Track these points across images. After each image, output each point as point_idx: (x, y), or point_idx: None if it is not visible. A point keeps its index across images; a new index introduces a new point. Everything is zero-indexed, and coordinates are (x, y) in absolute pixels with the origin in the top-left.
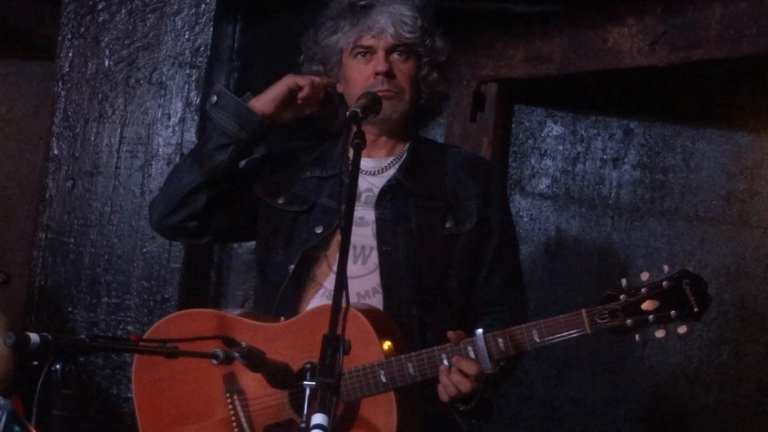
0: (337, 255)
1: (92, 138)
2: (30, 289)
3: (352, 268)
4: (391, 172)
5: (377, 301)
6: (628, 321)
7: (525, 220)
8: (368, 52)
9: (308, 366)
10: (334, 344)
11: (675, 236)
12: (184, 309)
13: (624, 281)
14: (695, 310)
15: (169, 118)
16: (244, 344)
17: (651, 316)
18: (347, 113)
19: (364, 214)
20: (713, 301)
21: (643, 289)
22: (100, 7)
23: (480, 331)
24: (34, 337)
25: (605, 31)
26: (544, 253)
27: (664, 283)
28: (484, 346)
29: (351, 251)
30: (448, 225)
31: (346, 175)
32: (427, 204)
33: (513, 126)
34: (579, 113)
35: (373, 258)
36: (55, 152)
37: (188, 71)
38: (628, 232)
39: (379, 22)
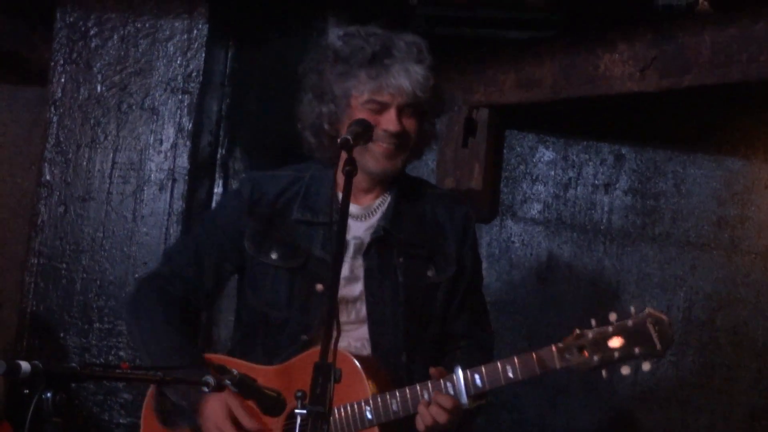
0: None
1: (84, 163)
2: (22, 315)
3: (343, 321)
4: (376, 218)
5: (367, 352)
6: (595, 357)
7: (516, 245)
8: (381, 108)
9: (299, 395)
10: (325, 373)
11: (666, 262)
12: None
13: (593, 321)
14: (658, 348)
15: (161, 143)
16: (235, 372)
17: (616, 353)
18: (338, 140)
19: (354, 266)
20: (705, 327)
21: (610, 328)
22: (92, 32)
23: (459, 368)
24: (24, 365)
25: (596, 56)
26: (536, 279)
27: (630, 322)
28: (462, 383)
29: (343, 305)
30: (430, 274)
31: (336, 224)
32: (411, 252)
33: (504, 151)
34: (570, 139)
35: (363, 310)
36: (47, 177)
37: (180, 97)
38: (619, 258)
39: (398, 80)
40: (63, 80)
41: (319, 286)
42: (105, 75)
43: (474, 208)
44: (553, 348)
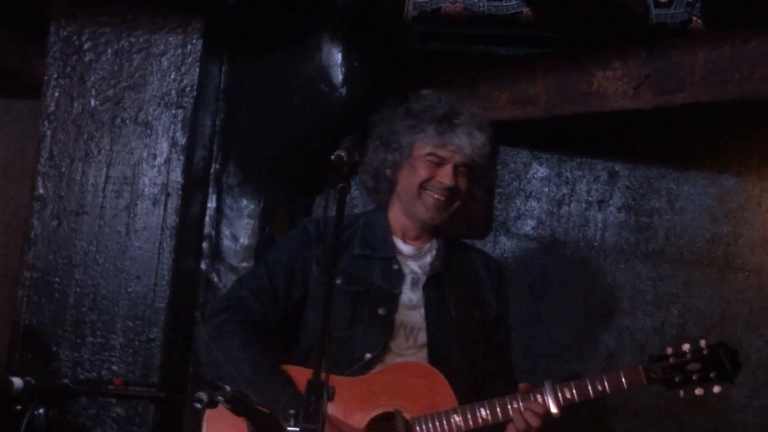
0: (394, 334)
1: (78, 177)
2: (14, 328)
3: (402, 346)
4: (428, 259)
5: None
6: (677, 378)
7: (510, 261)
8: (441, 162)
9: (292, 412)
10: (318, 391)
11: (660, 278)
12: (167, 349)
13: (669, 348)
14: (730, 373)
15: (154, 158)
16: (228, 388)
17: (694, 376)
18: (332, 157)
19: (413, 296)
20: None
21: (688, 354)
22: (86, 47)
23: (547, 382)
24: (17, 381)
25: (590, 74)
26: (530, 295)
27: (705, 350)
28: (552, 393)
29: (402, 330)
30: (476, 312)
31: (395, 261)
32: (460, 292)
33: (498, 167)
34: (564, 155)
35: (422, 337)
36: (41, 191)
37: (174, 111)
38: (613, 275)
39: (461, 140)
40: (57, 94)
41: (381, 310)
42: (99, 89)
43: (467, 225)
44: (640, 368)
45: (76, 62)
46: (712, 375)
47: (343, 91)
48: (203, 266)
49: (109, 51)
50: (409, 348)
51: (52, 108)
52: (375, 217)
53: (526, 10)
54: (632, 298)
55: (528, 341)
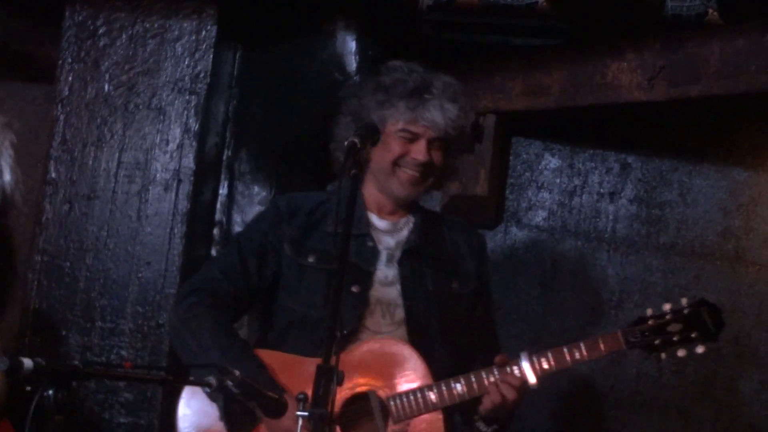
0: (369, 311)
1: (90, 162)
2: (24, 312)
3: (380, 323)
4: (404, 233)
5: None
6: (657, 341)
7: (521, 252)
8: (413, 137)
9: (301, 397)
10: (328, 375)
11: (670, 271)
12: None
13: (649, 310)
14: (712, 332)
15: (167, 143)
16: (237, 373)
17: (675, 337)
18: (346, 143)
19: (388, 273)
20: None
21: (668, 315)
22: (100, 32)
23: (523, 354)
24: (27, 362)
25: (604, 65)
26: (540, 286)
27: (686, 309)
28: (529, 365)
29: (378, 307)
30: (454, 286)
31: (369, 238)
32: (437, 265)
33: (510, 158)
34: (577, 147)
35: (399, 313)
36: (53, 175)
37: (187, 97)
38: (623, 266)
39: (433, 114)
40: (70, 78)
41: (355, 288)
42: (112, 74)
43: (479, 214)
44: (619, 332)
45: (90, 47)
46: (693, 335)
47: (357, 79)
48: (214, 252)
49: (124, 36)
50: (387, 325)
51: (65, 92)
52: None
53: (541, 0)
54: (642, 291)
55: (538, 332)
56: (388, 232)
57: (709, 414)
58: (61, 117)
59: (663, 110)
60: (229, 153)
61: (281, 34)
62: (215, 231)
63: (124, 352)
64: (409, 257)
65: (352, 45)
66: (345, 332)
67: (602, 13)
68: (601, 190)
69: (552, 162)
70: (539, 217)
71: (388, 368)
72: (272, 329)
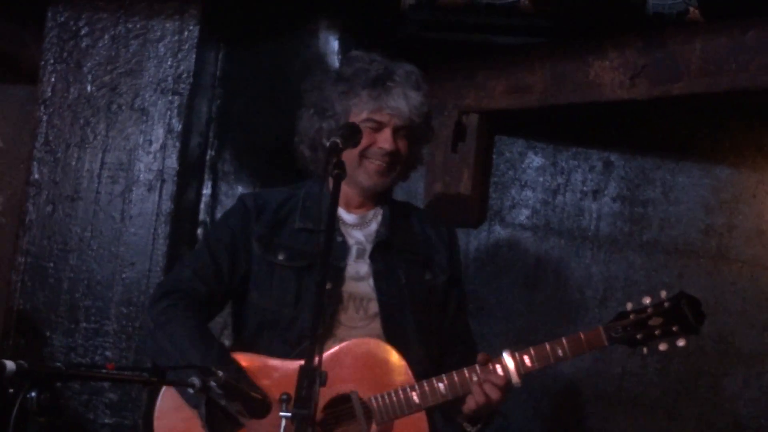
0: (343, 307)
1: (73, 163)
2: (8, 313)
3: (354, 318)
4: (373, 226)
5: None
6: (638, 335)
7: (504, 250)
8: (378, 126)
9: (284, 398)
10: (311, 376)
11: (654, 269)
12: None
13: (629, 304)
14: (693, 324)
15: (150, 144)
16: (221, 373)
17: (657, 331)
18: (327, 143)
19: (359, 268)
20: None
21: (648, 309)
22: (83, 32)
23: (506, 352)
24: (9, 364)
25: (586, 63)
26: (523, 285)
27: (666, 303)
28: (512, 363)
29: (351, 303)
30: (427, 277)
31: (338, 233)
32: (409, 257)
33: (494, 157)
34: (560, 145)
35: (373, 308)
36: (36, 176)
37: (170, 98)
38: (607, 264)
39: (397, 102)
40: (53, 79)
41: (327, 285)
42: (95, 75)
43: (462, 213)
44: (601, 328)
45: (72, 48)
46: (675, 328)
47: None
48: None
49: (106, 37)
50: (361, 320)
51: (48, 93)
52: (315, 188)
53: None
54: (626, 289)
55: (521, 330)
56: (357, 226)
57: (694, 411)
58: (44, 118)
59: (645, 108)
60: (213, 153)
61: (264, 34)
62: (199, 231)
63: (108, 353)
64: (381, 251)
65: (335, 44)
66: (320, 331)
67: (584, 12)
68: (585, 189)
69: (535, 160)
70: (523, 215)
71: (368, 368)
72: (245, 329)
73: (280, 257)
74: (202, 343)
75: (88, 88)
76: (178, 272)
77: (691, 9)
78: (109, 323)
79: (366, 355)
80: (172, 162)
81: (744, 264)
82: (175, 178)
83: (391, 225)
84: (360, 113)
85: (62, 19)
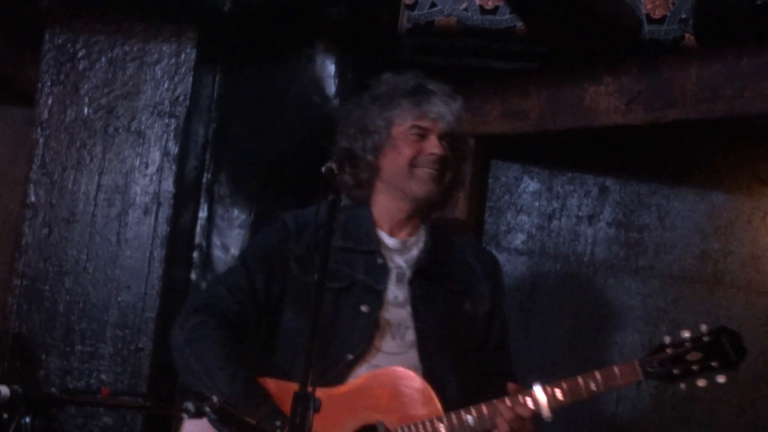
0: (380, 333)
1: (69, 185)
2: (3, 336)
3: (390, 345)
4: (414, 252)
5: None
6: (676, 370)
7: None
8: (424, 133)
9: (278, 424)
10: (304, 402)
11: (649, 294)
12: (157, 359)
13: (667, 338)
14: (733, 360)
15: (146, 167)
16: (215, 399)
17: (695, 366)
18: (323, 169)
19: (398, 293)
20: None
21: (687, 343)
22: (80, 55)
23: (538, 384)
24: (4, 389)
25: (582, 89)
26: (519, 309)
27: (705, 337)
28: (543, 397)
29: (388, 329)
30: (467, 307)
31: (379, 255)
32: (449, 286)
33: (489, 181)
34: (555, 170)
35: (410, 335)
36: (32, 199)
37: (167, 120)
38: (602, 290)
39: (440, 109)
40: (50, 102)
41: (365, 308)
42: (92, 97)
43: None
44: (636, 362)
45: (69, 70)
46: (714, 364)
47: (336, 102)
48: (193, 276)
49: (103, 59)
50: (397, 347)
51: (45, 115)
52: (358, 210)
53: (519, 24)
54: (621, 314)
55: (516, 355)
56: (398, 251)
57: None
58: (41, 140)
59: (641, 134)
60: (209, 176)
61: (261, 58)
62: (195, 254)
63: (104, 376)
64: (421, 277)
65: (332, 68)
66: (353, 356)
67: (580, 38)
68: (580, 214)
69: (531, 185)
70: (518, 240)
71: (396, 398)
72: (278, 351)
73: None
74: (229, 366)
75: (85, 110)
76: (212, 288)
77: (687, 35)
78: (105, 346)
79: (395, 384)
80: (169, 185)
81: (739, 289)
82: (172, 201)
83: (433, 252)
84: (404, 122)
85: (59, 41)
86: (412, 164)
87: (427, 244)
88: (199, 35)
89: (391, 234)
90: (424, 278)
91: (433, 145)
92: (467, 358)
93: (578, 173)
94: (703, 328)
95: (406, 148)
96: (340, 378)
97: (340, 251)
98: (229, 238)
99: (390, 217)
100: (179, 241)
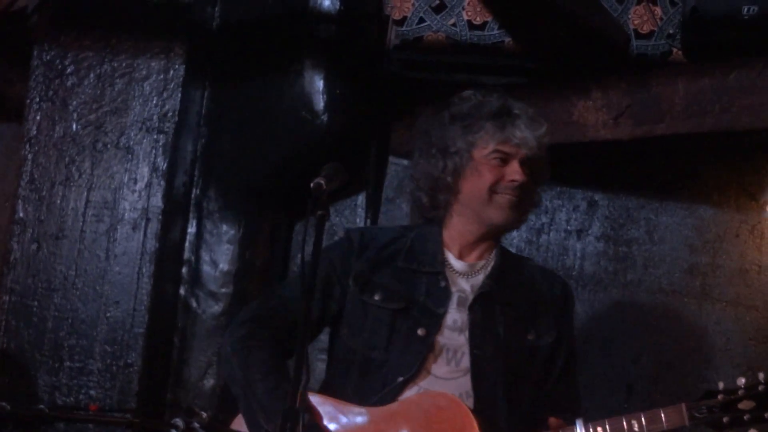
0: (434, 357)
1: (58, 201)
2: None
3: (444, 370)
4: (480, 277)
5: (468, 404)
6: (725, 419)
7: None
8: (506, 158)
9: None
10: (294, 418)
11: (638, 308)
12: (146, 374)
13: (721, 384)
14: None
15: (135, 182)
16: (204, 414)
17: (746, 416)
18: (312, 184)
19: (458, 317)
20: (674, 373)
21: (740, 391)
22: (69, 71)
23: (580, 421)
24: None
25: (570, 103)
26: None
27: (761, 387)
28: None
29: (443, 353)
30: (530, 337)
31: (443, 277)
32: (512, 313)
33: None
34: (544, 184)
35: (465, 362)
36: (21, 215)
37: (155, 136)
38: (591, 303)
39: (524, 133)
40: (38, 118)
41: (421, 331)
42: (81, 113)
43: None
44: (683, 406)
45: (58, 86)
46: (767, 415)
47: (325, 118)
48: (182, 292)
49: (92, 75)
50: (451, 372)
51: (33, 131)
52: (428, 230)
53: (507, 39)
54: (609, 328)
55: None
56: (464, 275)
57: None
58: (29, 156)
59: (629, 148)
60: (198, 192)
61: (249, 74)
62: (184, 270)
63: (92, 392)
64: (482, 302)
65: (320, 84)
66: (403, 378)
67: (568, 53)
68: (569, 228)
69: None
70: None
71: (434, 425)
72: (333, 366)
73: (376, 297)
74: (272, 379)
75: (74, 126)
76: (267, 299)
77: (675, 50)
78: (94, 362)
79: (436, 410)
80: (157, 201)
81: (728, 303)
82: (160, 217)
83: (500, 277)
84: (486, 146)
85: (48, 57)
86: (492, 190)
87: (495, 269)
88: (188, 51)
89: (460, 257)
90: (486, 303)
91: (515, 171)
92: (524, 389)
93: (567, 187)
94: (761, 376)
95: (487, 173)
96: (388, 399)
97: (402, 271)
98: (218, 254)
99: (461, 239)
100: (168, 257)
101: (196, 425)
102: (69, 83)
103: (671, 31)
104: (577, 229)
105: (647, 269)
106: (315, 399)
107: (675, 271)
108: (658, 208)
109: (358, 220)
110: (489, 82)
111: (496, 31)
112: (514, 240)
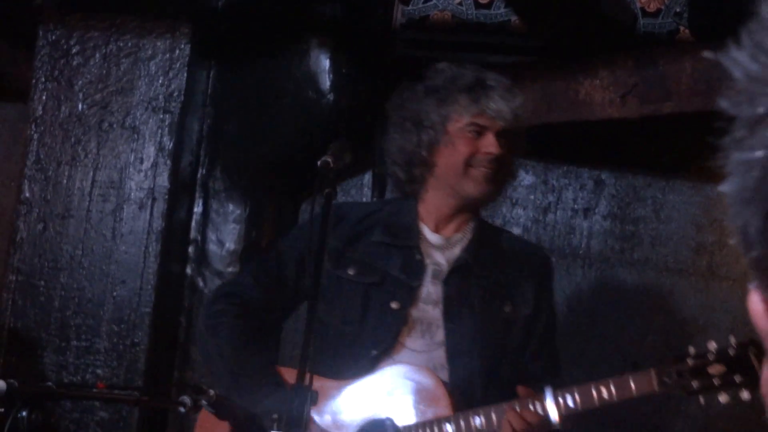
0: (408, 330)
1: (64, 181)
2: None
3: (418, 343)
4: (457, 250)
5: (443, 377)
6: (694, 383)
7: None
8: (481, 131)
9: (275, 416)
10: (301, 395)
11: (644, 287)
12: (152, 353)
13: (691, 348)
14: (759, 376)
15: (141, 162)
16: (211, 392)
17: (716, 380)
18: (318, 162)
19: (432, 290)
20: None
21: (710, 355)
22: (74, 51)
23: (549, 388)
24: (0, 384)
25: (577, 82)
26: None
27: (731, 350)
28: (552, 402)
29: (417, 326)
30: (506, 309)
31: (417, 251)
32: (489, 286)
33: None
34: (550, 163)
35: (440, 335)
36: (27, 195)
37: (161, 116)
38: (597, 282)
39: (499, 105)
40: (44, 98)
41: (395, 304)
42: (86, 93)
43: None
44: (652, 371)
45: (64, 66)
46: (737, 379)
47: (331, 97)
48: (189, 271)
49: (98, 55)
50: (425, 345)
51: (39, 112)
52: (403, 204)
53: (514, 18)
54: (616, 306)
55: None
56: (439, 248)
57: (682, 428)
58: (35, 136)
59: (636, 127)
60: (204, 171)
61: (255, 53)
62: (190, 249)
63: (99, 371)
64: (458, 276)
65: (326, 63)
66: (377, 352)
67: (575, 32)
68: (575, 207)
69: (526, 179)
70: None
71: (408, 396)
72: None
73: (350, 272)
74: (244, 353)
75: (80, 106)
76: (240, 277)
77: (682, 28)
78: (100, 341)
79: (409, 381)
80: (163, 180)
81: (734, 282)
82: (166, 197)
83: (476, 250)
84: (460, 118)
85: (53, 37)
86: (468, 163)
87: (472, 242)
88: (194, 31)
89: (436, 230)
90: (462, 276)
91: (490, 144)
92: (501, 361)
93: (573, 166)
94: (732, 340)
95: (462, 146)
96: (362, 372)
97: (377, 245)
98: (224, 233)
99: (437, 213)
100: (174, 237)
101: (204, 402)
102: (74, 63)
103: (678, 10)
104: (584, 207)
105: (654, 248)
106: (287, 371)
107: (682, 250)
108: (665, 186)
109: (364, 198)
110: (495, 61)
111: (502, 10)
112: (521, 219)
